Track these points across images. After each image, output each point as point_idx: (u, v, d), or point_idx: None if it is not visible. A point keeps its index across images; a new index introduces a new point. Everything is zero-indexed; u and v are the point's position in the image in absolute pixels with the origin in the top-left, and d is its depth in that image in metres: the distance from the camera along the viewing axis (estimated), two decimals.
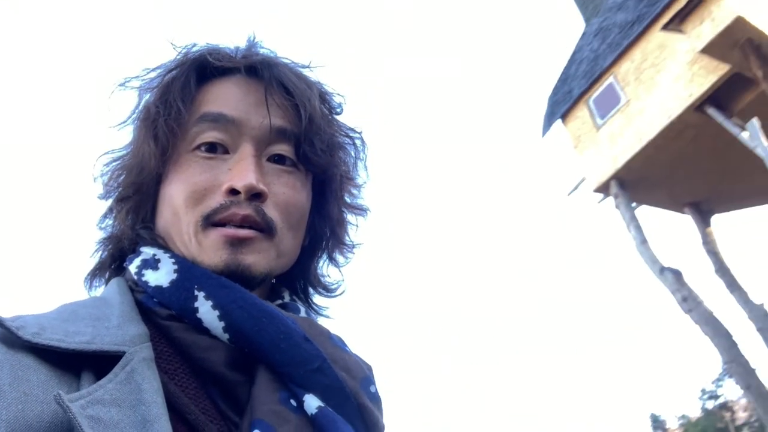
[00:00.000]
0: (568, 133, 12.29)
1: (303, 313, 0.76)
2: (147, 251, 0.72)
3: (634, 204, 11.36)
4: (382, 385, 0.73)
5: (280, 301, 0.77)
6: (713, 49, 9.22)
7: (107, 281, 0.79)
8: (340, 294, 0.89)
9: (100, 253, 0.80)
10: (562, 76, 12.83)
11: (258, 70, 0.76)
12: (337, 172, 0.81)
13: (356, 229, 0.88)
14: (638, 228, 10.92)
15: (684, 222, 12.60)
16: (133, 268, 0.71)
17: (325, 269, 0.88)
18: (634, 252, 10.98)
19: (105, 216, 0.81)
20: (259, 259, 0.69)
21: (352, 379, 0.67)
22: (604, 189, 11.51)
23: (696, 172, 11.28)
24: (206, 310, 0.63)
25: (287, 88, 0.75)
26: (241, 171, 0.69)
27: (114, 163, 0.79)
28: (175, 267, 0.68)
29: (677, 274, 10.34)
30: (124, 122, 0.78)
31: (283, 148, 0.74)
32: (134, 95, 0.78)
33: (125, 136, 0.80)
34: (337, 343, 0.71)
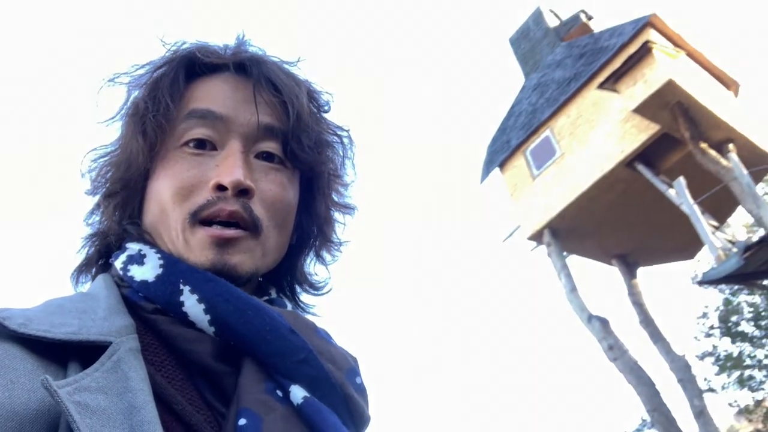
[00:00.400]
0: (505, 181, 12.65)
1: (289, 309, 0.77)
2: (133, 247, 0.72)
3: (565, 253, 11.71)
4: (367, 377, 0.74)
5: (266, 298, 0.77)
6: (645, 110, 9.74)
7: (93, 277, 0.78)
8: (326, 292, 0.89)
9: (87, 249, 0.79)
10: (501, 127, 13.23)
11: (246, 67, 0.76)
12: (324, 169, 0.81)
13: (343, 227, 0.89)
14: (569, 276, 11.24)
15: (612, 273, 13.03)
16: (118, 263, 0.71)
17: (313, 267, 0.89)
18: (564, 299, 11.29)
19: (92, 212, 0.80)
20: (245, 258, 0.69)
21: (337, 371, 0.68)
22: (537, 237, 11.85)
23: (624, 225, 11.75)
24: (192, 304, 0.63)
25: (276, 85, 0.75)
26: (229, 167, 0.69)
27: (102, 159, 0.79)
28: (161, 262, 0.68)
29: (604, 323, 10.65)
30: (113, 118, 0.78)
31: (271, 146, 0.74)
32: (122, 91, 0.78)
33: (110, 132, 0.80)
34: (323, 336, 0.72)
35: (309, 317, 0.80)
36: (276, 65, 0.78)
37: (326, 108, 0.83)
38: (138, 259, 0.70)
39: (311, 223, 0.85)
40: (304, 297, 0.88)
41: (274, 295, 0.79)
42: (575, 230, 11.62)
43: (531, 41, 13.80)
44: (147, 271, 0.68)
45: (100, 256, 0.79)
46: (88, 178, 0.79)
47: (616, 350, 10.39)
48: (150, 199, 0.74)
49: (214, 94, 0.74)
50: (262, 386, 0.61)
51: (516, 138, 12.46)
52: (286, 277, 0.87)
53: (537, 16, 13.96)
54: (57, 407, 0.49)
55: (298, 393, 0.62)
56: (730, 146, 10.20)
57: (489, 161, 13.01)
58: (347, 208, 0.88)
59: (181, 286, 0.65)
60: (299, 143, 0.75)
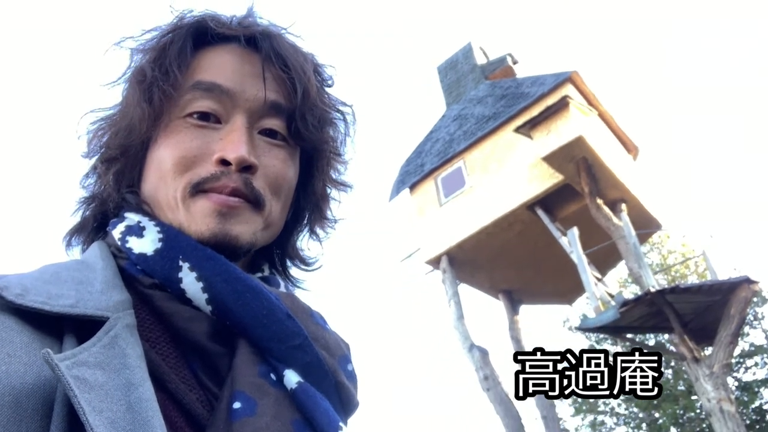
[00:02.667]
0: (414, 203, 12.96)
1: (283, 288, 0.77)
2: (132, 218, 0.71)
3: (457, 281, 12.11)
4: (358, 363, 0.76)
5: (260, 275, 0.77)
6: (553, 159, 10.29)
7: (85, 241, 0.78)
8: (317, 268, 0.89)
9: (82, 212, 0.78)
10: (417, 150, 13.57)
11: (257, 40, 0.75)
12: (326, 148, 0.81)
13: (339, 204, 0.89)
14: (458, 304, 11.63)
15: (497, 306, 13.56)
16: (116, 233, 0.70)
17: (305, 243, 0.89)
18: (450, 326, 11.67)
19: (88, 175, 0.79)
20: (246, 229, 0.69)
21: (330, 358, 0.68)
22: (435, 262, 12.20)
23: (516, 263, 12.29)
24: (190, 281, 0.63)
25: (285, 61, 0.74)
26: (233, 142, 0.68)
27: (100, 122, 0.77)
28: (161, 236, 0.67)
29: (484, 353, 11.07)
30: (115, 82, 0.77)
31: (275, 123, 0.74)
32: (125, 55, 0.76)
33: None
34: (318, 321, 0.72)
35: (303, 293, 0.84)
36: (285, 39, 0.77)
37: (330, 83, 0.82)
38: (137, 230, 0.69)
39: (308, 200, 0.85)
40: (295, 271, 0.89)
41: (267, 271, 0.79)
42: (470, 261, 12.05)
43: (458, 73, 14.26)
44: (146, 244, 0.67)
45: (95, 221, 0.78)
46: (84, 140, 0.78)
47: (490, 381, 10.83)
48: (150, 167, 0.73)
49: (221, 66, 0.73)
50: (257, 369, 0.61)
51: (430, 163, 12.82)
52: (278, 251, 0.87)
53: (467, 51, 14.46)
54: (53, 382, 0.49)
55: (292, 378, 0.62)
56: (623, 206, 10.94)
57: (400, 181, 13.29)
58: (344, 186, 0.88)
59: (181, 263, 0.64)
60: (304, 122, 0.74)
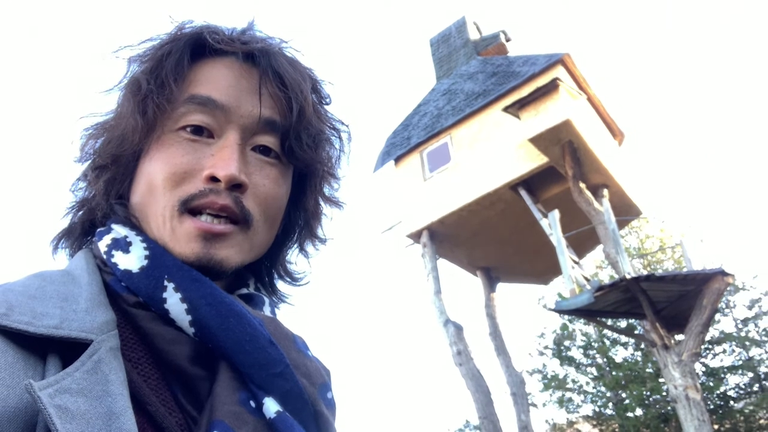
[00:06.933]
0: (398, 175, 12.97)
1: (267, 306, 0.77)
2: (119, 231, 0.70)
3: (437, 256, 12.18)
4: (337, 390, 0.76)
5: (245, 290, 0.77)
6: (539, 141, 10.29)
7: (72, 246, 0.78)
8: (305, 284, 0.89)
9: (71, 217, 0.78)
10: (405, 122, 13.52)
11: (255, 56, 0.74)
12: (320, 167, 0.80)
13: (330, 221, 0.88)
14: (436, 279, 11.71)
15: (474, 283, 13.66)
16: (102, 246, 0.70)
17: (294, 257, 0.88)
18: (428, 300, 11.76)
19: (79, 180, 0.79)
20: (232, 253, 0.68)
21: (311, 386, 0.68)
22: (416, 236, 12.24)
23: (495, 240, 12.38)
24: (174, 302, 0.63)
25: (282, 78, 0.73)
26: (224, 159, 0.67)
27: (93, 128, 0.77)
28: (147, 253, 0.66)
29: (459, 329, 11.20)
30: (111, 90, 0.76)
31: (269, 140, 0.73)
32: (121, 63, 0.75)
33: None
34: (300, 348, 0.72)
35: (285, 307, 0.85)
36: (284, 56, 0.76)
37: (327, 100, 0.82)
38: (123, 245, 0.68)
39: (299, 216, 0.85)
40: (282, 286, 0.89)
41: (252, 287, 0.79)
42: (451, 237, 12.12)
43: (450, 47, 14.15)
44: (131, 261, 0.66)
45: (83, 228, 0.78)
46: (77, 145, 0.78)
47: (463, 356, 10.98)
48: (140, 179, 0.72)
49: (217, 80, 0.72)
50: (236, 396, 0.61)
51: (417, 137, 12.78)
52: (266, 264, 0.86)
53: (460, 25, 14.34)
54: (35, 406, 0.49)
55: (271, 407, 0.62)
56: (605, 191, 11.01)
57: (386, 153, 13.25)
58: (336, 203, 0.87)
59: (165, 282, 0.63)
60: (298, 140, 0.74)
